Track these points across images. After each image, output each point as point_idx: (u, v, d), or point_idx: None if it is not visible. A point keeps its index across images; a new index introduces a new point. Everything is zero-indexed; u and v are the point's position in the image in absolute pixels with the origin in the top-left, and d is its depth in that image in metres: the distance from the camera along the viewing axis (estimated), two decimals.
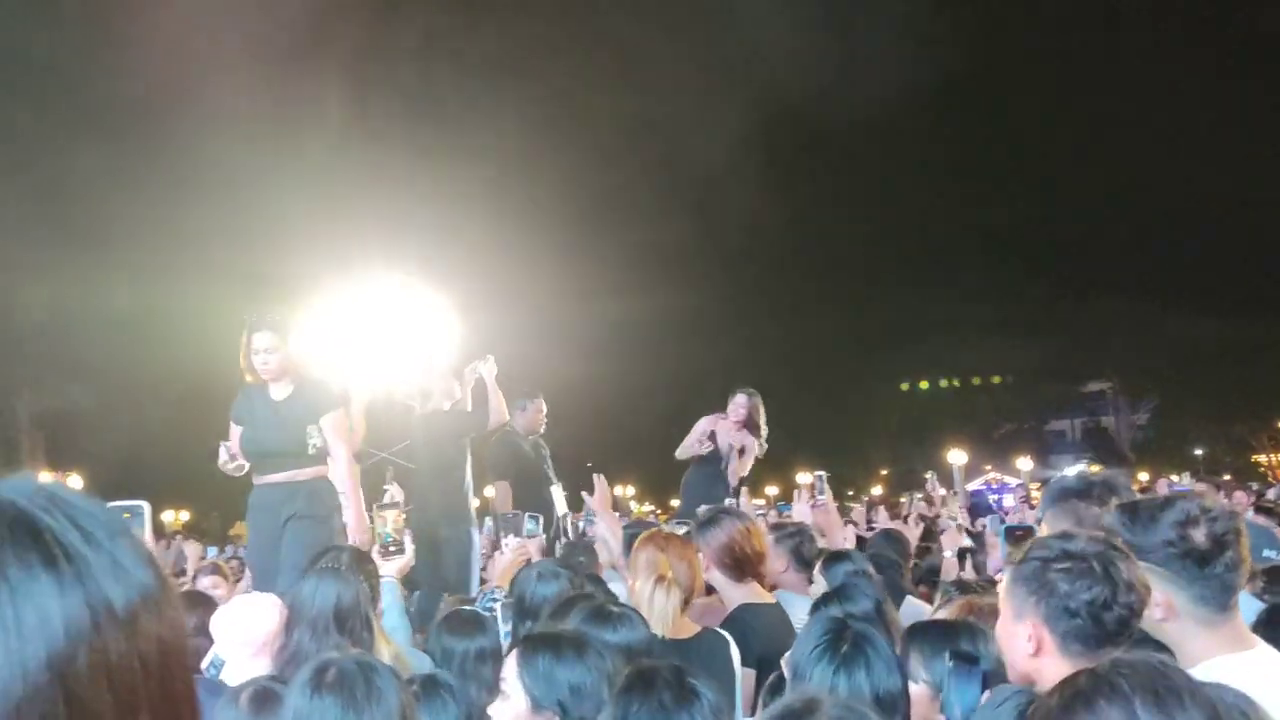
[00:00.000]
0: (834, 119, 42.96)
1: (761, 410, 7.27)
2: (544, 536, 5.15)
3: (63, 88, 28.81)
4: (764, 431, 7.29)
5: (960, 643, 2.33)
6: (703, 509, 5.59)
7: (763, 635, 3.18)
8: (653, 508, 38.60)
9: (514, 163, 34.71)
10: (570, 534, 6.11)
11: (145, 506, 2.43)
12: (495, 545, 5.89)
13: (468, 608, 3.63)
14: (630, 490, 45.98)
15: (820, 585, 3.69)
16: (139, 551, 0.74)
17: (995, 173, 45.18)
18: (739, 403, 7.20)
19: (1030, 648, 1.96)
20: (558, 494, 7.66)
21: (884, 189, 48.37)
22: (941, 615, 2.91)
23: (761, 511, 7.78)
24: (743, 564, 3.50)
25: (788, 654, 2.23)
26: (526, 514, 4.94)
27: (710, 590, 3.64)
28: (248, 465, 5.09)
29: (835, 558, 3.93)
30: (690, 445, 7.25)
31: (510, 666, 2.25)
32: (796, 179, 46.91)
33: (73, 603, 0.67)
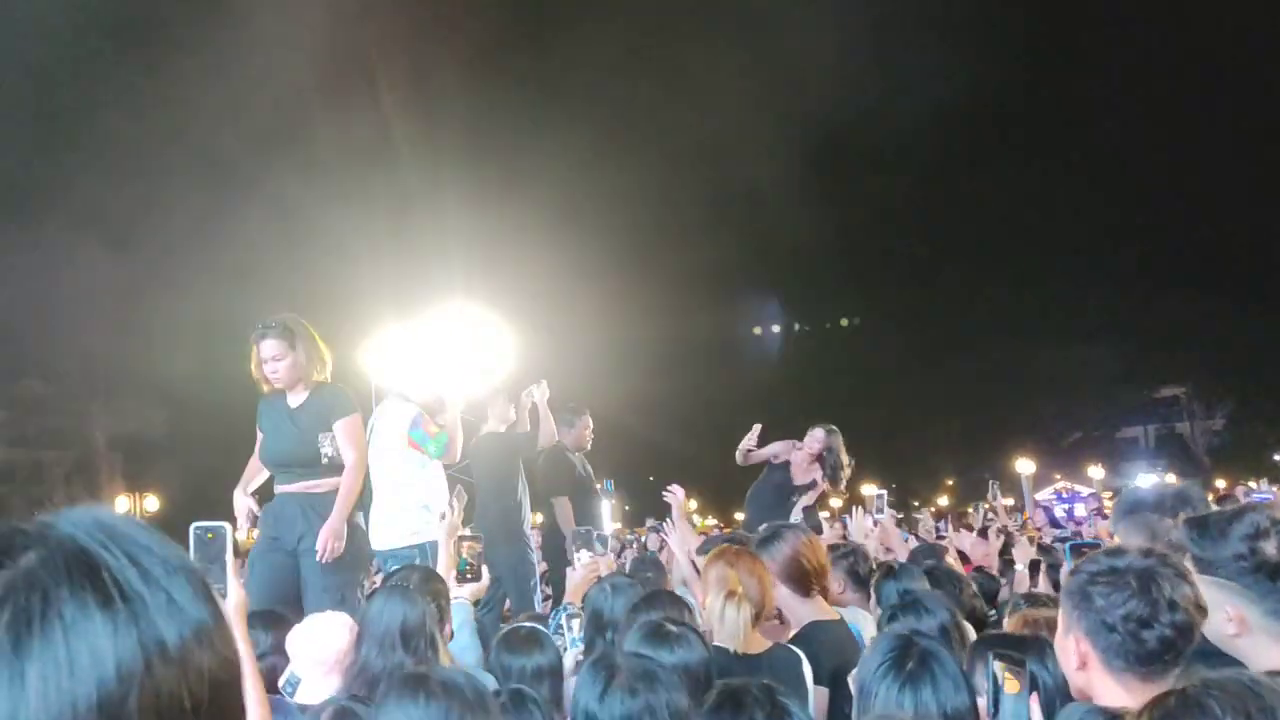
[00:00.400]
0: (886, 134, 42.62)
1: (841, 448, 7.18)
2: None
3: (133, 121, 29.69)
4: (845, 469, 7.19)
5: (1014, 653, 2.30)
6: (763, 526, 5.57)
7: (833, 652, 3.15)
8: (716, 521, 38.46)
9: (570, 186, 34.96)
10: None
11: (228, 527, 2.47)
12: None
13: (526, 625, 3.65)
14: (693, 504, 45.88)
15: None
16: (195, 586, 0.73)
17: (1057, 176, 44.45)
18: (815, 436, 7.12)
19: (1076, 662, 1.93)
20: (606, 509, 7.73)
21: (940, 195, 47.79)
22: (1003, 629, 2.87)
23: (827, 525, 7.70)
24: (808, 577, 3.47)
25: (854, 671, 2.22)
26: (595, 532, 4.91)
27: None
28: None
29: (886, 575, 3.90)
30: (749, 448, 7.16)
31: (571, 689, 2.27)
32: (848, 192, 46.57)
33: (126, 643, 0.67)
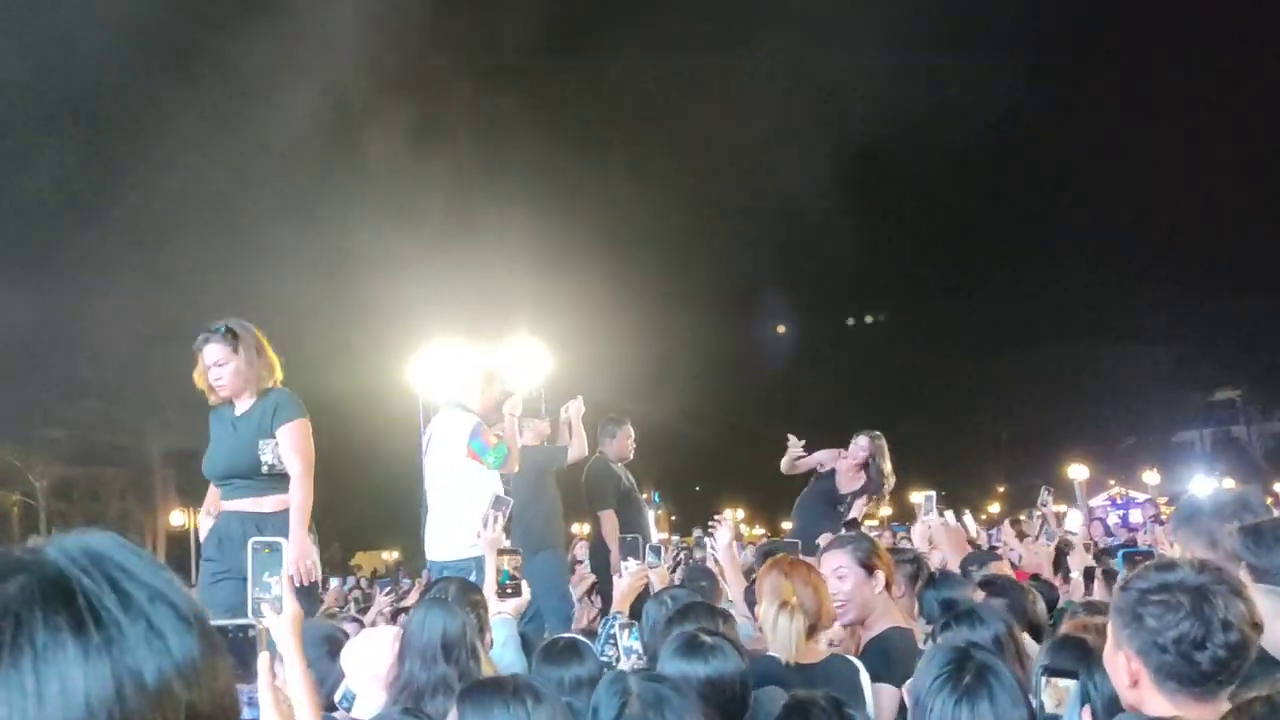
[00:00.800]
0: (931, 134, 42.30)
1: (885, 452, 7.13)
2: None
3: (186, 142, 30.30)
4: (889, 476, 7.15)
5: (1065, 662, 2.26)
6: (825, 536, 5.53)
7: (910, 657, 3.09)
8: (764, 530, 38.30)
9: (613, 197, 35.10)
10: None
11: (284, 543, 2.51)
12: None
13: (566, 635, 3.66)
14: (740, 513, 45.74)
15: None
16: (183, 617, 0.70)
17: (1111, 175, 43.81)
18: (860, 445, 7.07)
19: (1127, 680, 1.90)
20: (651, 520, 7.74)
21: (990, 195, 47.31)
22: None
23: (876, 533, 7.63)
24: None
25: (909, 682, 2.19)
26: (648, 542, 4.89)
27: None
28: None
29: (927, 584, 3.85)
30: (794, 459, 7.14)
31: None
32: (894, 193, 46.24)
33: (98, 673, 0.64)
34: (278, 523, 4.33)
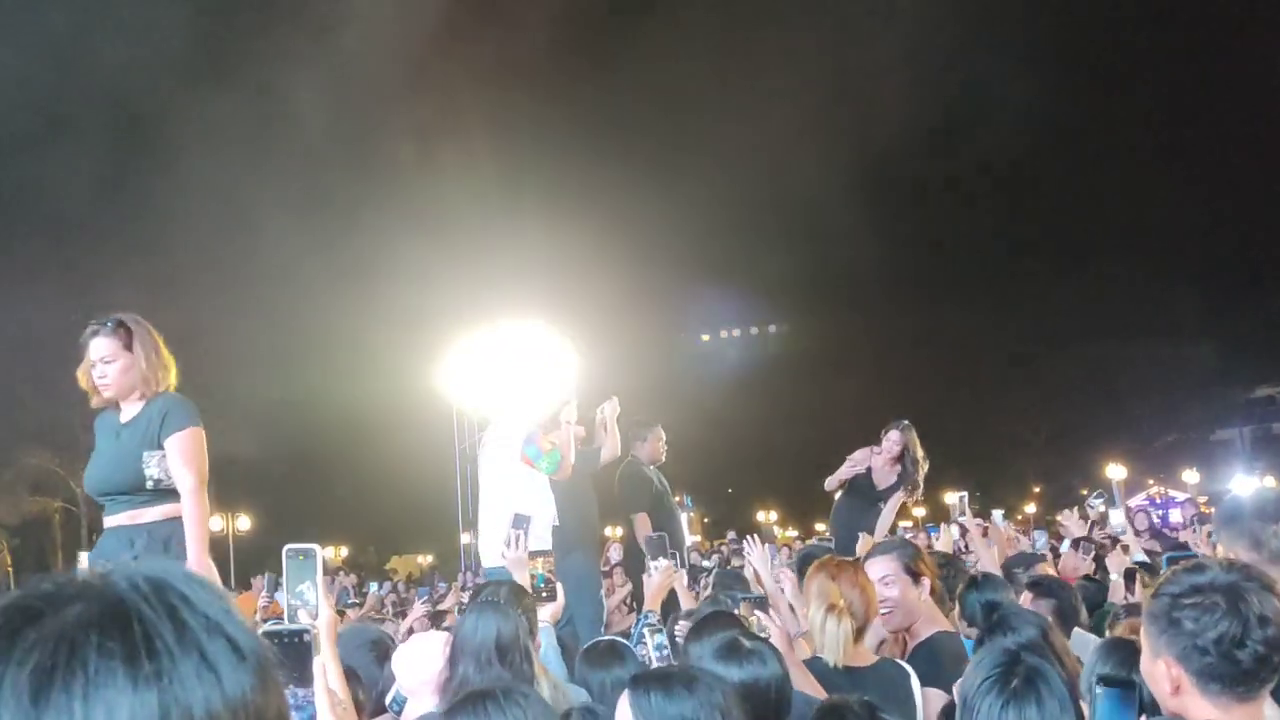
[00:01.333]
0: (968, 129, 42.01)
1: (916, 442, 7.12)
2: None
3: (217, 152, 30.66)
4: (922, 465, 7.14)
5: (1118, 667, 2.23)
6: (862, 537, 5.49)
7: (959, 661, 3.07)
8: (796, 533, 38.15)
9: (641, 203, 35.15)
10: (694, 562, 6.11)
11: (318, 550, 2.52)
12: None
13: (606, 638, 3.66)
14: (773, 515, 45.60)
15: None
16: (239, 650, 0.70)
17: (1149, 167, 43.30)
18: (892, 438, 7.06)
19: (1169, 687, 1.88)
20: (684, 523, 7.73)
21: (1026, 189, 46.91)
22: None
23: (910, 534, 7.58)
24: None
25: (958, 684, 2.19)
26: (678, 547, 4.88)
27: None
28: None
29: (970, 585, 3.82)
30: (840, 474, 7.15)
31: (623, 706, 2.28)
32: (931, 189, 45.93)
33: (145, 702, 0.64)
34: (162, 531, 3.89)
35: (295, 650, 1.96)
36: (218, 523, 32.65)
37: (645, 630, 3.88)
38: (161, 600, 0.68)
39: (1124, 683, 1.93)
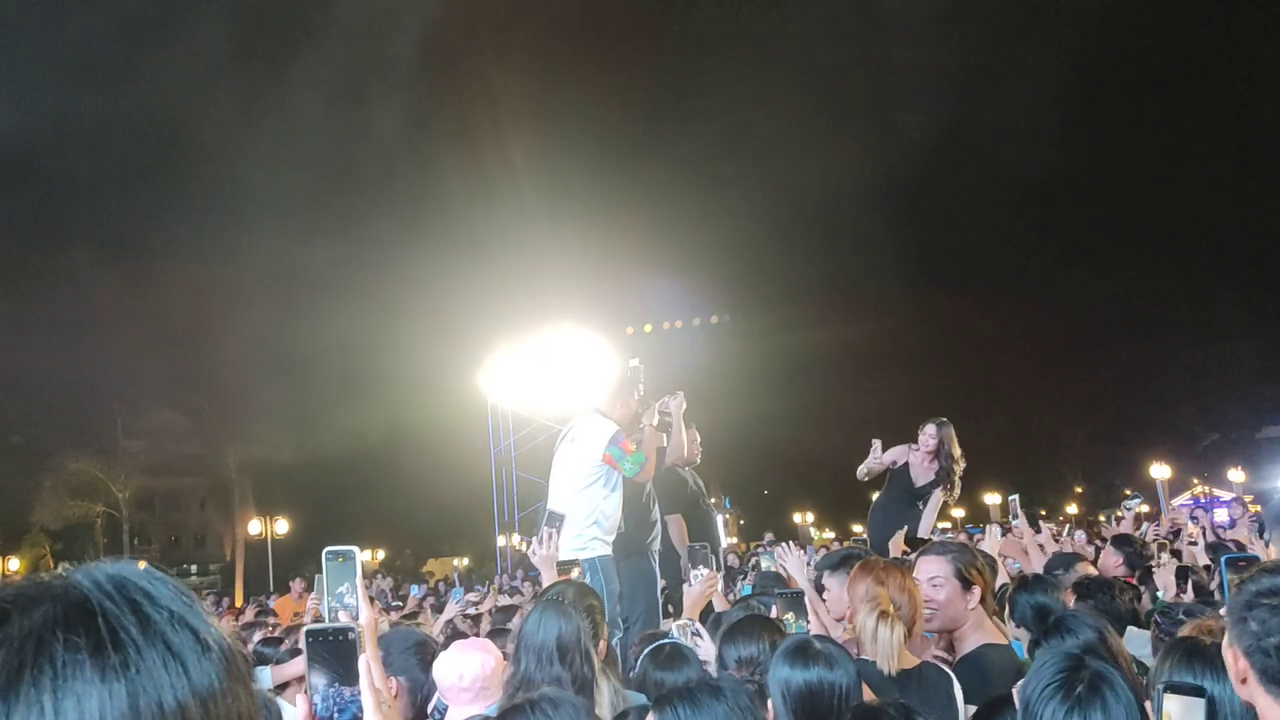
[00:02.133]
0: (1011, 123, 41.62)
1: (954, 438, 7.04)
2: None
3: (267, 166, 31.02)
4: (959, 460, 7.05)
5: (1184, 673, 2.18)
6: (897, 536, 5.41)
7: (1007, 676, 2.93)
8: (833, 534, 37.96)
9: (680, 204, 35.16)
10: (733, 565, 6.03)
11: (356, 551, 2.52)
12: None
13: (667, 642, 3.63)
14: (810, 517, 45.40)
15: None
16: (202, 642, 0.70)
17: (1191, 160, 42.69)
18: (929, 433, 6.99)
19: (1238, 676, 1.85)
20: (720, 525, 7.62)
21: (1066, 193, 46.40)
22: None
23: (949, 535, 7.48)
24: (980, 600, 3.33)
25: (1019, 685, 2.14)
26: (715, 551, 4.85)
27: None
28: None
29: (1020, 586, 3.74)
30: (869, 463, 7.06)
31: None
32: (972, 186, 45.49)
33: (115, 694, 0.65)
34: None
35: (340, 649, 1.96)
36: (256, 526, 33.08)
37: (685, 638, 3.86)
38: (124, 596, 0.69)
39: (1193, 690, 1.88)
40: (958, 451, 7.01)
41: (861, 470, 7.11)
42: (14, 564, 33.95)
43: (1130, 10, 41.60)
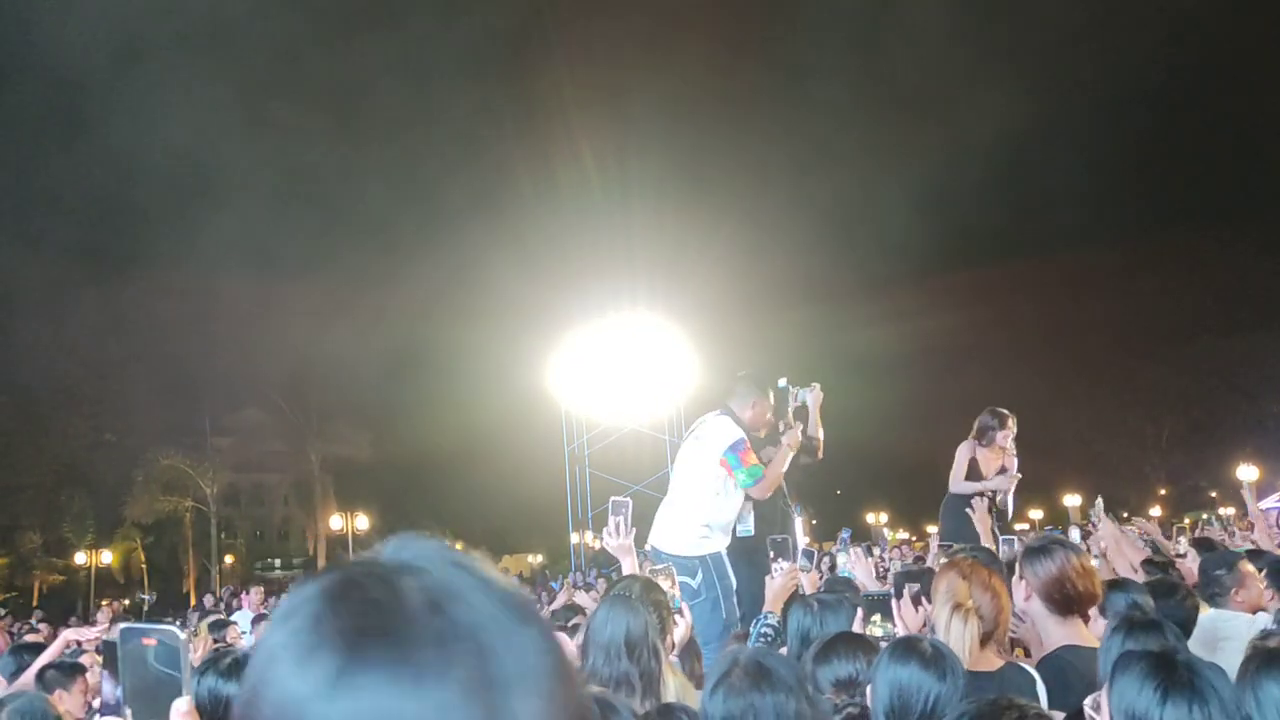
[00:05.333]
0: (1105, 109, 40.58)
1: (998, 424, 6.84)
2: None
3: (343, 173, 31.68)
4: (1013, 456, 6.86)
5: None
6: (1034, 537, 5.35)
7: (1087, 679, 2.87)
8: (907, 534, 37.47)
9: (753, 201, 34.99)
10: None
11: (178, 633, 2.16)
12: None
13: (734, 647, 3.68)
14: (883, 517, 44.83)
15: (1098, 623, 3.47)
16: (545, 642, 0.66)
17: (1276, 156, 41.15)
18: (983, 423, 6.88)
19: None
20: (798, 525, 7.55)
21: (1150, 186, 45.09)
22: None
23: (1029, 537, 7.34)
24: (1071, 602, 3.22)
25: (1106, 687, 2.12)
26: (803, 548, 4.85)
27: None
28: None
29: (1113, 585, 3.71)
30: (962, 482, 6.84)
31: None
32: (1055, 196, 44.51)
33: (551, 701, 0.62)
34: None
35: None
36: (337, 521, 33.81)
37: (766, 629, 3.91)
38: (480, 590, 0.65)
39: None
40: (1009, 428, 6.75)
41: (956, 485, 6.89)
42: (107, 556, 35.18)
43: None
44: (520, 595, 0.66)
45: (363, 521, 33.49)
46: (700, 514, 5.27)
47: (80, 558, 34.49)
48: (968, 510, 6.40)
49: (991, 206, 41.30)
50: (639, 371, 14.37)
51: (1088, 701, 2.18)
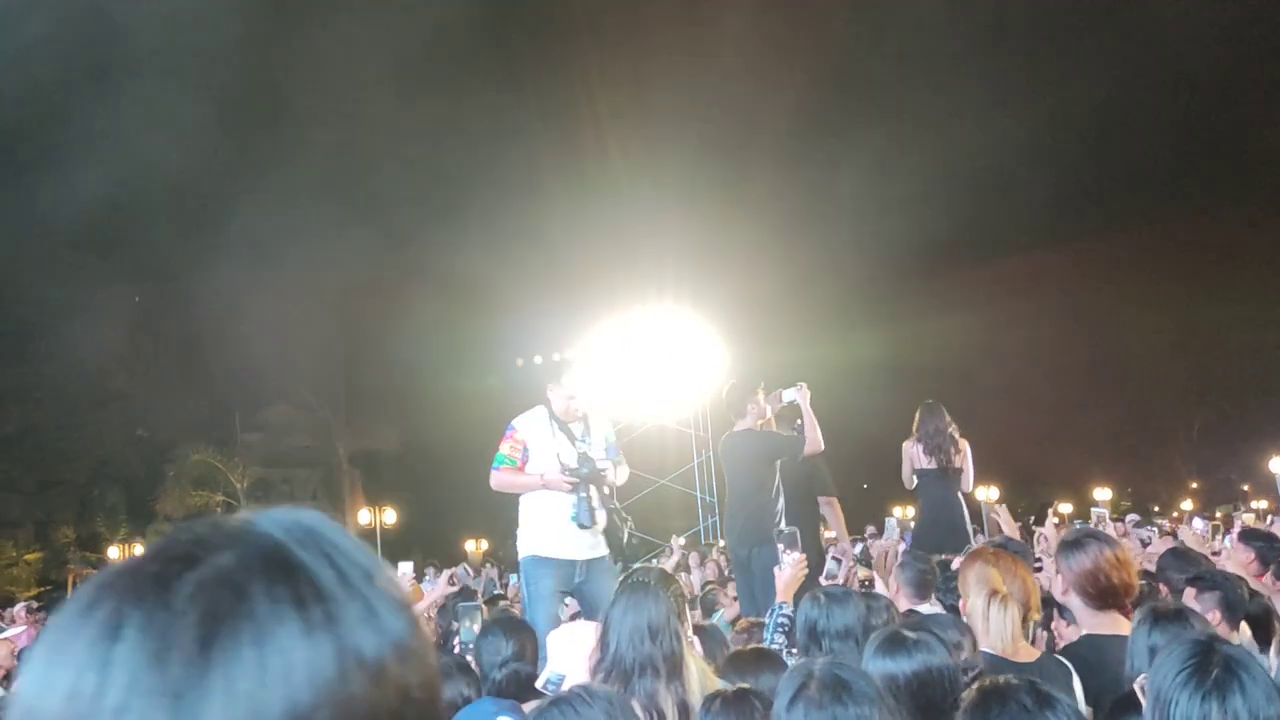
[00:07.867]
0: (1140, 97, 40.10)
1: (929, 419, 6.94)
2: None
3: (368, 166, 31.85)
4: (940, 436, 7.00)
5: None
6: (1072, 530, 5.35)
7: (1112, 668, 2.89)
8: None
9: (784, 198, 34.82)
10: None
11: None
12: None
13: (752, 646, 3.73)
14: (910, 511, 44.60)
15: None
16: (395, 596, 0.67)
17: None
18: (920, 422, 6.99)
19: None
20: (835, 519, 7.64)
21: (1181, 175, 44.52)
22: None
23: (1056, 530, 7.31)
24: (1106, 594, 3.23)
25: (1141, 676, 2.13)
26: (831, 552, 4.91)
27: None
28: None
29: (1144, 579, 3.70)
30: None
31: None
32: (1070, 164, 43.99)
33: (321, 648, 0.61)
34: None
35: None
36: (365, 515, 34.07)
37: (780, 619, 3.97)
38: (318, 546, 0.66)
39: None
40: (938, 427, 6.89)
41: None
42: (139, 551, 35.55)
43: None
44: (360, 552, 0.68)
45: (390, 516, 33.75)
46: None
47: (113, 552, 34.96)
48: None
49: (1028, 198, 40.86)
50: (665, 365, 14.38)
51: (1138, 682, 2.18)
